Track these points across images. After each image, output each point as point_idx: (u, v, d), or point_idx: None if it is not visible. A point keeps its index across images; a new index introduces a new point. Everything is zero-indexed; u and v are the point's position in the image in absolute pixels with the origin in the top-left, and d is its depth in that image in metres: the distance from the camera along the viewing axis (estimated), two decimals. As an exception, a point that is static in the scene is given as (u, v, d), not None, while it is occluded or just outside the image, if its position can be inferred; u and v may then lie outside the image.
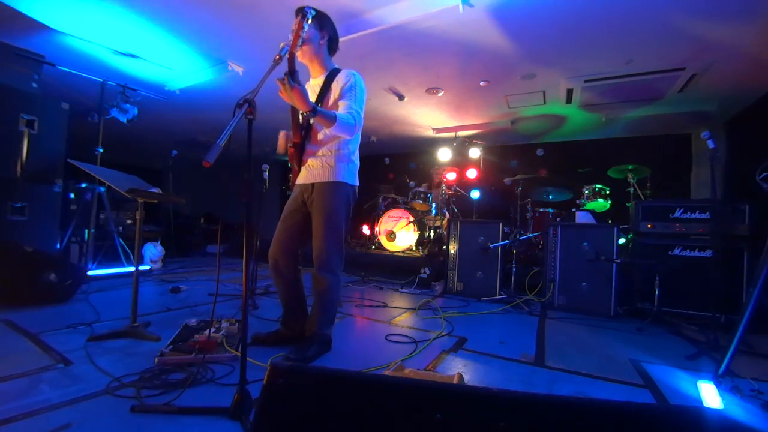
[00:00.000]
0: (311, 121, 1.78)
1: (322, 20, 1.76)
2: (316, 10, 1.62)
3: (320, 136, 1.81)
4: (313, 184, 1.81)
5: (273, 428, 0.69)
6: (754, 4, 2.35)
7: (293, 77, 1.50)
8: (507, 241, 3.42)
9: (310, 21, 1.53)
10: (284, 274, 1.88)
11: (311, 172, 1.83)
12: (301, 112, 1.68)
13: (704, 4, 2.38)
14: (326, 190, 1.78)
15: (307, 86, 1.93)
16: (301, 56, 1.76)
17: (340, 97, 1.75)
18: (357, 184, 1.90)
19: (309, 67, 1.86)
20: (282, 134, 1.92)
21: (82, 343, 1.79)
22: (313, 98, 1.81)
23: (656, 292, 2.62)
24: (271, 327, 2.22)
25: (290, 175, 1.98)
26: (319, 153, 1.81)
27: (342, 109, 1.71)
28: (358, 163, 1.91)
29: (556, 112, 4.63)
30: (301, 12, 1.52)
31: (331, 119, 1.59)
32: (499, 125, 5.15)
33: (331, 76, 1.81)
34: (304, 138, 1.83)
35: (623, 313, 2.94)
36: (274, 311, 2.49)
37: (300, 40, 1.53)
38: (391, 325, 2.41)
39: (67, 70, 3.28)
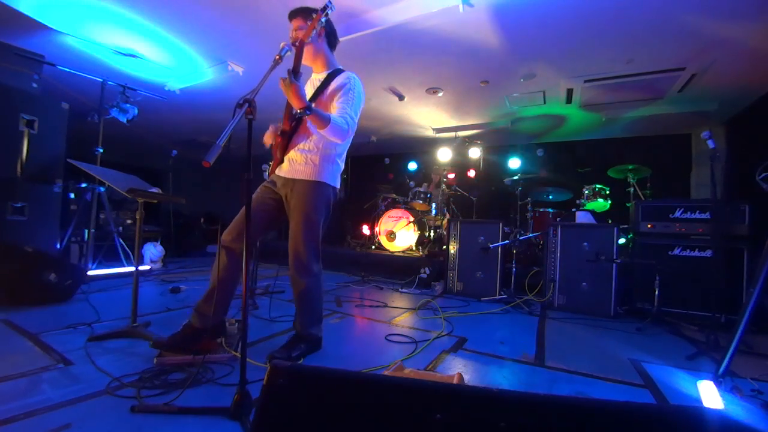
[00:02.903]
0: (308, 122, 1.75)
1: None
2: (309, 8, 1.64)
3: (310, 127, 1.76)
4: (294, 180, 1.76)
5: (273, 428, 0.69)
6: (754, 4, 2.35)
7: (295, 74, 1.49)
8: (507, 241, 3.42)
9: (329, 14, 1.51)
10: (234, 260, 1.71)
11: (294, 166, 1.77)
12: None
13: (704, 4, 2.38)
14: (308, 189, 1.74)
15: (308, 81, 1.91)
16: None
17: (336, 96, 1.72)
18: (338, 186, 1.87)
19: (311, 65, 1.84)
20: (271, 127, 1.86)
21: (82, 343, 1.79)
22: (311, 92, 1.80)
23: (656, 292, 2.62)
24: (271, 327, 2.23)
25: (270, 163, 1.93)
26: (306, 147, 1.76)
27: (336, 111, 1.67)
28: (342, 166, 1.89)
29: (556, 112, 4.62)
30: (325, 8, 1.49)
31: (325, 120, 1.55)
32: (499, 125, 5.15)
33: (333, 74, 1.79)
34: (293, 128, 1.79)
35: (623, 313, 2.94)
36: (275, 311, 2.49)
37: (314, 32, 1.55)
38: (391, 325, 2.41)
39: (67, 70, 3.27)
